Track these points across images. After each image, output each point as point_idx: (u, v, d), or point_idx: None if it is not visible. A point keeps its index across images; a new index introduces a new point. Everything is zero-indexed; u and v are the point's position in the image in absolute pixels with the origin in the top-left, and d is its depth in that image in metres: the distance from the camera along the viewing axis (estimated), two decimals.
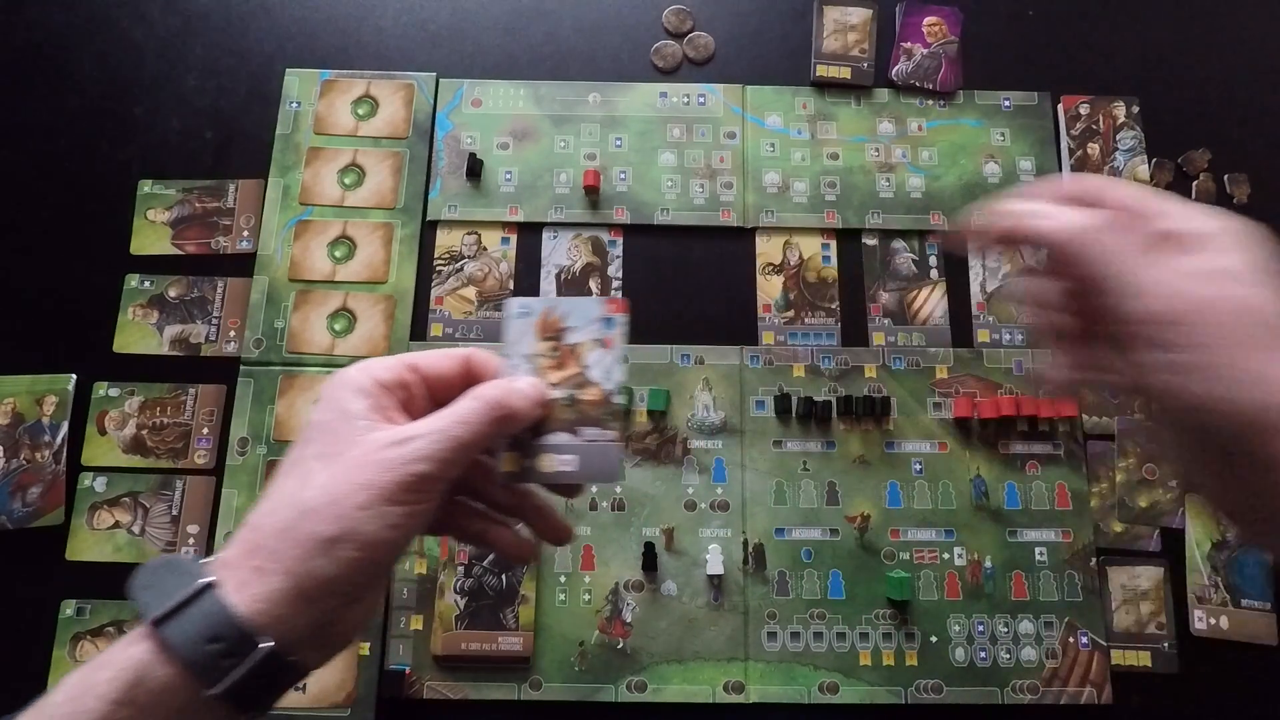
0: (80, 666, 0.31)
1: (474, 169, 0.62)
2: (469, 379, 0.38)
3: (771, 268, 0.62)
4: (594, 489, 0.57)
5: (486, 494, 0.40)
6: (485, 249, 0.62)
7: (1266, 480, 0.30)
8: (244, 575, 0.32)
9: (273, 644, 0.31)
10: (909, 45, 0.66)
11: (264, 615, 0.31)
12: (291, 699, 0.52)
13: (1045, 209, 0.35)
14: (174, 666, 0.30)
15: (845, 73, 0.66)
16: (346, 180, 0.63)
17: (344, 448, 0.33)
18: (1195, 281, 0.31)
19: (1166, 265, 0.32)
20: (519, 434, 0.37)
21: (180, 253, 0.61)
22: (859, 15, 0.67)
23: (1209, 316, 0.30)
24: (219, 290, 0.61)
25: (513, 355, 0.39)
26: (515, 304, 0.39)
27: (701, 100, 0.65)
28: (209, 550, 0.55)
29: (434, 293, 0.61)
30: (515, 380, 0.37)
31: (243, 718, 0.31)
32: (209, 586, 0.31)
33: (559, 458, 0.38)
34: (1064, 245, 0.34)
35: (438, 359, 0.38)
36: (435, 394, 0.38)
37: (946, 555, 0.56)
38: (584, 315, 0.39)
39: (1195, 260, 0.32)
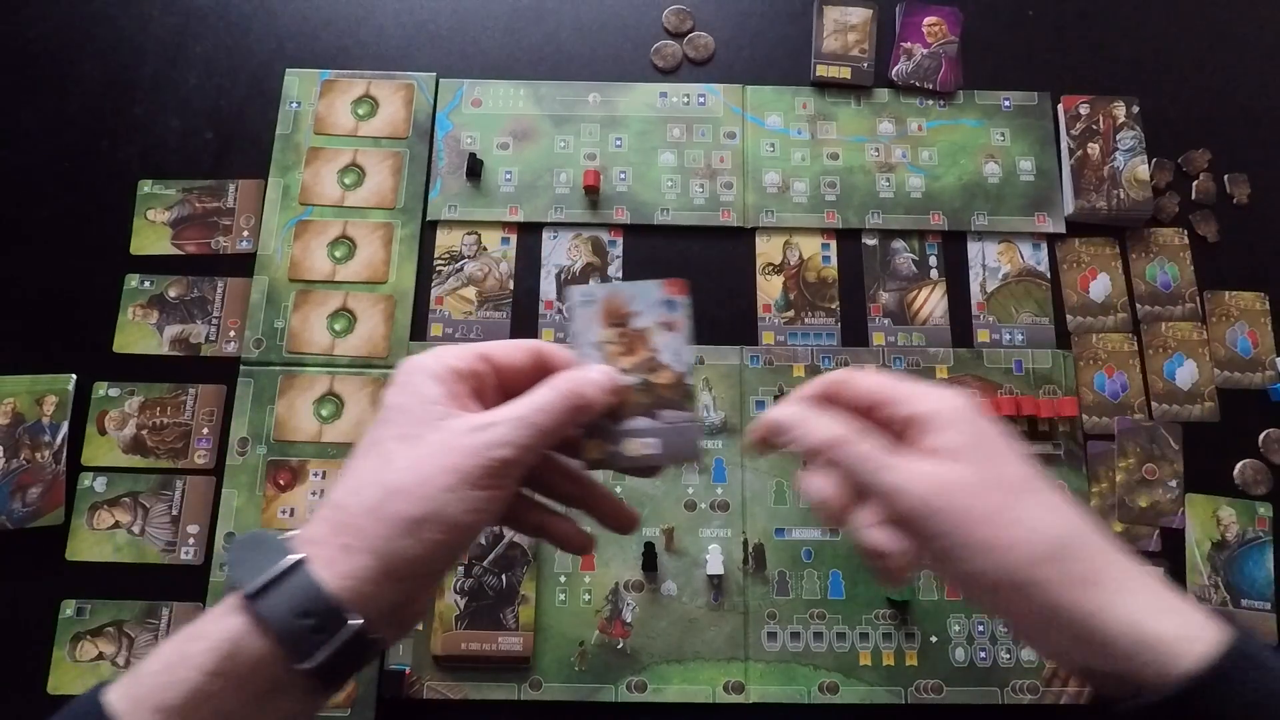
0: (171, 637, 0.31)
1: (474, 169, 0.62)
2: (539, 370, 0.38)
3: (771, 268, 0.62)
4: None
5: (550, 485, 0.41)
6: (485, 249, 0.62)
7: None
8: (331, 553, 0.32)
9: (362, 621, 0.31)
10: (909, 45, 0.66)
11: (352, 592, 0.32)
12: None
13: (802, 419, 0.38)
14: (267, 640, 0.31)
15: (845, 73, 0.66)
16: (346, 180, 0.63)
17: (424, 430, 0.34)
18: (928, 479, 0.35)
19: (905, 465, 0.36)
20: (599, 421, 0.38)
21: (180, 253, 0.61)
22: (859, 15, 0.67)
23: (942, 506, 0.35)
24: (219, 290, 0.61)
25: (581, 344, 0.39)
26: (577, 292, 0.39)
27: (701, 100, 0.65)
28: (209, 549, 0.55)
29: (434, 293, 0.61)
30: (588, 369, 0.37)
31: (321, 694, 0.32)
32: (300, 563, 0.31)
33: (641, 441, 0.38)
34: (821, 455, 0.37)
35: (509, 350, 0.38)
36: (505, 384, 0.38)
37: None
38: (646, 299, 0.39)
39: (929, 445, 0.36)
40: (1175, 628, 0.33)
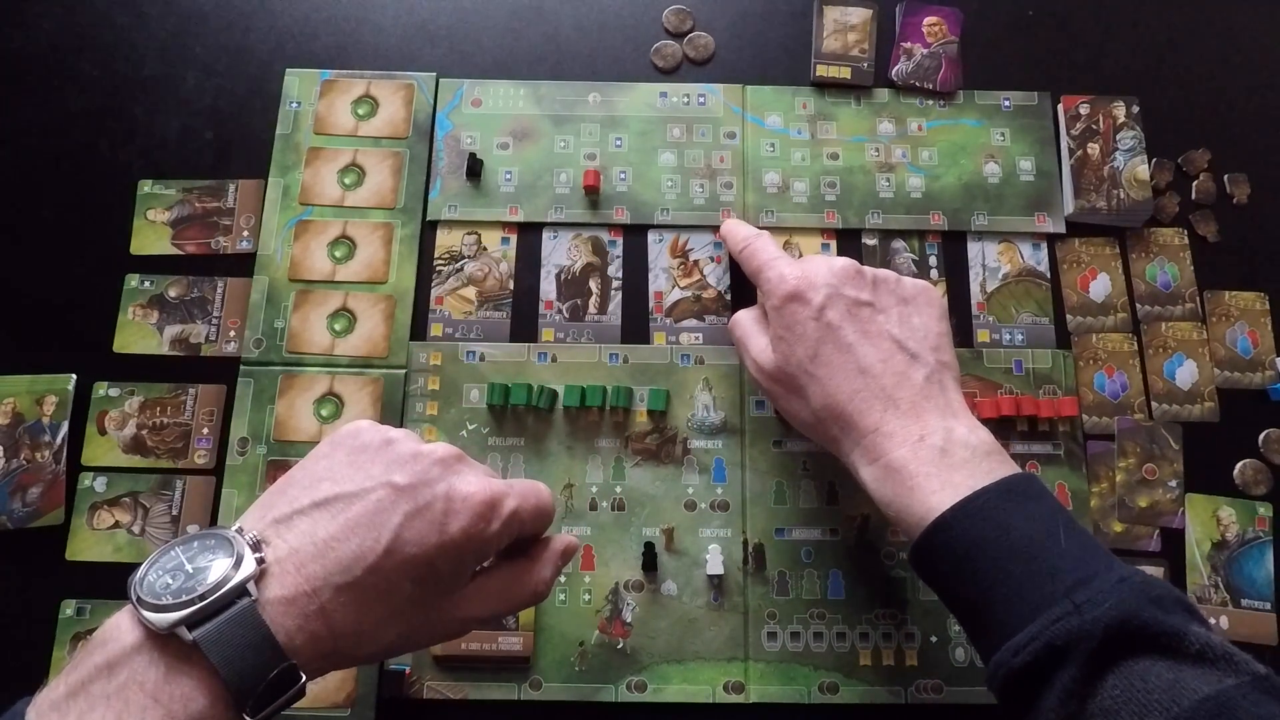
0: (96, 691, 0.33)
1: (474, 169, 0.62)
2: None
3: None
4: (594, 489, 0.57)
5: None
6: (485, 249, 0.62)
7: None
8: (318, 663, 0.35)
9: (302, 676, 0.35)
10: (909, 45, 0.66)
11: (315, 674, 0.36)
12: None
13: (737, 227, 0.57)
14: (234, 715, 0.33)
15: (845, 73, 0.66)
16: (346, 180, 0.63)
17: (440, 599, 0.39)
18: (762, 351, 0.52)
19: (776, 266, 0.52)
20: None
21: (180, 253, 0.61)
22: (859, 15, 0.67)
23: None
24: (219, 290, 0.61)
25: (654, 268, 0.60)
26: (653, 235, 0.62)
27: (701, 100, 0.65)
28: None
29: (434, 293, 0.61)
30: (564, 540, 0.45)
31: None
32: (291, 666, 0.33)
33: (692, 334, 0.60)
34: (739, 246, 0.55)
35: (539, 523, 0.43)
36: None
37: None
38: (698, 240, 0.62)
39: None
40: (927, 490, 0.43)
